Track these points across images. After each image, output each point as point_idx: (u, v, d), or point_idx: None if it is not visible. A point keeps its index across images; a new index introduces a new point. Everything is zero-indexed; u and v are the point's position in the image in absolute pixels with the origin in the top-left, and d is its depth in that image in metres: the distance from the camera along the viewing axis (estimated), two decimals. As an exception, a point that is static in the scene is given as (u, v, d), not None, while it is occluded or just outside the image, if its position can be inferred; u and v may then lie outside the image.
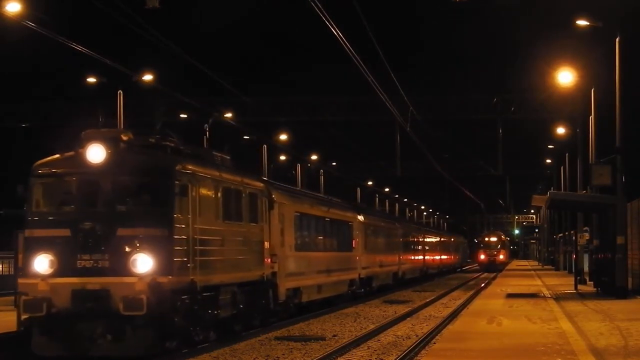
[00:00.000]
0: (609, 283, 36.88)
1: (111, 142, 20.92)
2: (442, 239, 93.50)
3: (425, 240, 76.21)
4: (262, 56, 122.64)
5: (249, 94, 63.07)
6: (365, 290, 44.79)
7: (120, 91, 46.29)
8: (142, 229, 20.23)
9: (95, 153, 20.69)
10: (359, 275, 43.29)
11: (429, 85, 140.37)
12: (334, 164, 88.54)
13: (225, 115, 60.55)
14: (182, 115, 62.74)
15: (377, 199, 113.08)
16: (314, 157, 79.96)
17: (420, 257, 71.81)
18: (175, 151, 22.93)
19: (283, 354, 22.14)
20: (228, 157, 26.21)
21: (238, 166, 27.57)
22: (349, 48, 29.66)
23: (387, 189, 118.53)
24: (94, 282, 19.94)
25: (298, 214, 32.55)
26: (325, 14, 25.94)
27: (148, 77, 45.86)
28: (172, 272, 20.27)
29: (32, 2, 32.37)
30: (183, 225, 20.91)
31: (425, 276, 72.46)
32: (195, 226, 21.46)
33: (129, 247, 20.07)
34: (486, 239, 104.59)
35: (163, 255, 20.17)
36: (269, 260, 27.82)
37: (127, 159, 20.92)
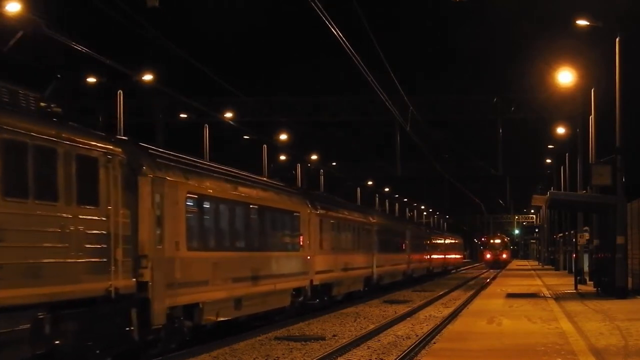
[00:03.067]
0: (609, 283, 36.87)
1: None
2: (432, 237, 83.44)
3: (411, 237, 64.86)
4: (262, 56, 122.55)
5: (249, 94, 63.10)
6: (321, 301, 35.75)
7: (120, 91, 46.29)
8: None
9: None
10: (311, 281, 33.92)
11: (429, 85, 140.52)
12: (334, 164, 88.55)
13: (225, 115, 60.58)
14: (182, 115, 62.80)
15: (377, 199, 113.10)
16: (314, 157, 79.97)
17: (404, 257, 61.02)
18: None
19: (283, 354, 22.13)
20: (55, 106, 17.56)
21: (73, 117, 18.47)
22: (349, 48, 29.65)
23: (387, 189, 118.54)
24: None
25: (195, 196, 22.86)
26: (326, 14, 25.94)
27: (148, 77, 45.85)
28: None
29: (32, 2, 32.35)
30: None
31: (410, 280, 62.43)
32: None
33: None
34: (491, 240, 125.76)
35: None
36: (129, 265, 18.79)
37: None
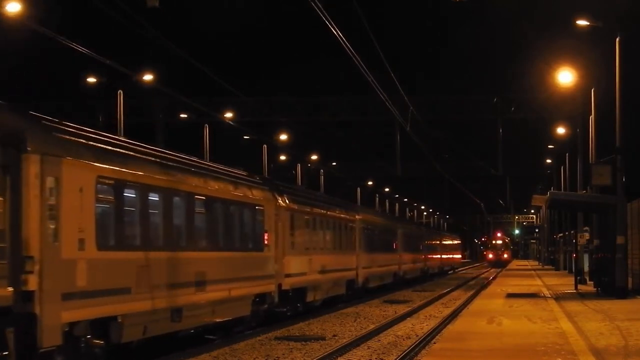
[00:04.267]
0: (609, 283, 36.88)
1: None
2: (428, 236, 79.29)
3: (403, 236, 60.49)
4: (262, 56, 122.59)
5: (249, 94, 63.13)
6: (291, 308, 31.76)
7: (120, 91, 46.32)
8: None
9: None
10: (279, 286, 29.52)
11: (429, 85, 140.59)
12: (334, 164, 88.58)
13: (225, 115, 60.60)
14: (182, 115, 62.83)
15: (377, 198, 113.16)
16: (314, 157, 80.00)
17: (394, 257, 56.59)
18: None
19: (283, 354, 22.14)
20: None
21: None
22: (349, 48, 29.65)
23: (387, 189, 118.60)
24: None
25: (110, 181, 18.16)
26: (326, 14, 25.94)
27: (148, 77, 45.87)
28: None
29: (32, 2, 32.37)
30: None
31: (402, 282, 58.35)
32: None
33: None
34: (494, 242, 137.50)
35: None
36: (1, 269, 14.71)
37: None
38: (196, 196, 22.44)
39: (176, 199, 21.25)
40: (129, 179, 18.79)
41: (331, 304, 37.71)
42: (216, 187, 24.11)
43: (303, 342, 24.61)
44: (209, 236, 23.37)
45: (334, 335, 26.57)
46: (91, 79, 48.75)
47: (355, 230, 43.31)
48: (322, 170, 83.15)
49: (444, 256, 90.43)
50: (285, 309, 30.71)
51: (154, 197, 19.98)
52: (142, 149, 20.52)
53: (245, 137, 66.84)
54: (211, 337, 24.50)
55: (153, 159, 20.60)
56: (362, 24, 29.90)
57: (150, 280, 19.25)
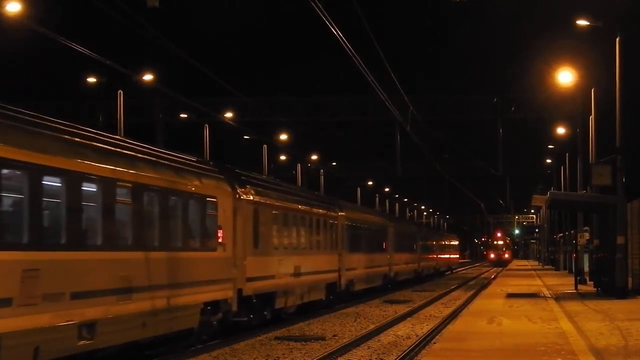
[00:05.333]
0: (609, 283, 36.88)
1: None
2: (423, 235, 74.08)
3: (395, 235, 56.28)
4: (262, 56, 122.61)
5: (249, 94, 63.16)
6: (256, 317, 27.22)
7: (120, 91, 46.33)
8: None
9: None
10: (240, 291, 25.43)
11: (429, 85, 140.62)
12: (334, 164, 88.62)
13: (225, 115, 60.61)
14: (182, 115, 62.85)
15: (377, 198, 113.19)
16: (314, 157, 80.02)
17: (384, 258, 52.44)
18: None
19: (283, 354, 22.14)
20: None
21: None
22: (349, 48, 29.66)
23: (387, 189, 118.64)
24: None
25: None
26: (326, 14, 25.94)
27: (148, 77, 45.88)
28: None
29: (32, 2, 32.38)
30: None
31: (393, 284, 54.75)
32: None
33: None
34: (495, 242, 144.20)
35: None
36: None
37: None
38: (119, 183, 18.27)
39: (87, 185, 17.10)
40: (8, 156, 14.54)
41: (310, 310, 33.93)
42: (150, 173, 19.72)
43: (303, 342, 24.61)
44: (137, 233, 18.91)
45: (334, 335, 26.57)
46: (91, 79, 48.75)
47: (338, 227, 39.08)
48: (322, 170, 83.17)
49: (440, 256, 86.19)
50: (247, 318, 26.32)
51: (52, 182, 15.96)
52: (36, 120, 16.30)
53: (245, 137, 66.88)
54: (148, 353, 20.88)
55: (52, 132, 16.52)
56: (362, 24, 29.93)
57: (42, 289, 15.26)
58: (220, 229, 23.90)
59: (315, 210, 35.08)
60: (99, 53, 34.16)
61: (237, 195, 25.61)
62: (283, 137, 68.85)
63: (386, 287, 51.40)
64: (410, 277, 62.33)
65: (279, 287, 29.32)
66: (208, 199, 23.16)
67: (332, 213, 38.45)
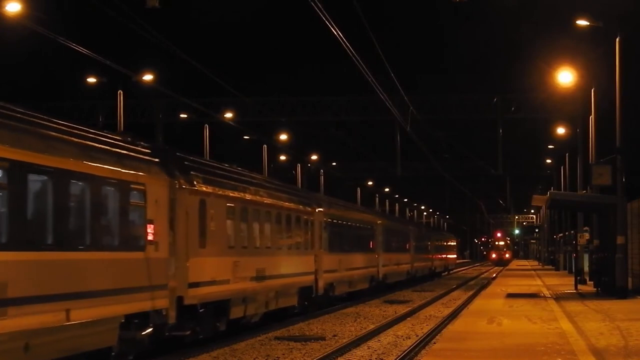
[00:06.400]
0: (609, 283, 36.87)
1: None
2: (416, 234, 67.35)
3: (384, 234, 51.43)
4: (262, 56, 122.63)
5: (249, 94, 63.22)
6: (204, 329, 22.75)
7: (120, 91, 46.35)
8: None
9: None
10: (179, 300, 20.98)
11: (429, 85, 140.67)
12: (334, 164, 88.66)
13: (225, 115, 60.63)
14: (182, 115, 62.88)
15: (377, 198, 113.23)
16: (314, 157, 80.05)
17: (371, 258, 47.55)
18: None
19: (283, 354, 22.13)
20: None
21: None
22: (349, 48, 29.67)
23: (387, 189, 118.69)
24: None
25: None
26: (326, 14, 25.95)
27: (148, 77, 45.89)
28: None
29: (32, 2, 32.39)
30: None
31: (383, 287, 50.30)
32: None
33: None
34: (496, 242, 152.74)
35: None
36: None
37: None
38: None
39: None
40: None
41: (279, 319, 29.93)
42: (35, 148, 15.18)
43: (303, 342, 24.60)
44: (15, 228, 14.46)
45: (334, 335, 26.56)
46: (91, 79, 48.77)
47: (314, 224, 34.73)
48: (322, 170, 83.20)
49: (436, 257, 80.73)
50: (189, 332, 21.83)
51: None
52: None
53: (245, 137, 66.91)
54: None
55: None
56: (362, 24, 29.94)
57: None
58: (151, 223, 19.40)
59: (285, 204, 30.58)
60: (99, 53, 34.19)
61: (178, 184, 21.16)
62: (283, 137, 68.89)
63: (374, 291, 47.25)
64: (401, 279, 57.63)
65: (236, 293, 24.86)
66: (132, 186, 18.57)
67: (308, 208, 34.02)
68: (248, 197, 26.53)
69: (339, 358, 21.59)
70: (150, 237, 19.38)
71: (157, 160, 20.39)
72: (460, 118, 68.05)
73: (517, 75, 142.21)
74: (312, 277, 33.92)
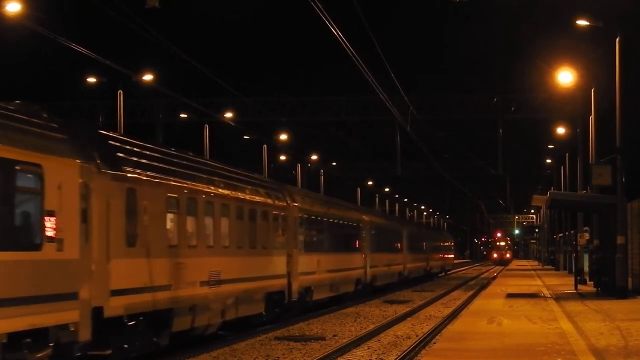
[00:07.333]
0: (609, 283, 36.86)
1: None
2: (409, 233, 62.98)
3: (371, 233, 47.44)
4: (262, 56, 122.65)
5: (249, 94, 63.25)
6: (134, 347, 18.55)
7: (120, 91, 46.36)
8: None
9: None
10: (99, 311, 16.99)
11: (429, 85, 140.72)
12: (334, 164, 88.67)
13: (225, 115, 60.64)
14: (182, 115, 62.91)
15: (377, 198, 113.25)
16: (314, 157, 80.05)
17: (357, 259, 43.72)
18: None
19: (283, 354, 22.13)
20: None
21: None
22: (349, 48, 29.67)
23: (387, 189, 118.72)
24: None
25: None
26: (326, 14, 25.95)
27: (148, 77, 45.89)
28: None
29: (32, 2, 32.41)
30: None
31: (371, 290, 46.57)
32: None
33: None
34: (497, 243, 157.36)
35: None
36: None
37: None
38: None
39: None
40: None
41: (244, 328, 26.48)
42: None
43: (303, 342, 24.59)
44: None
45: (334, 335, 26.55)
46: (91, 79, 48.78)
47: (288, 221, 30.87)
48: (322, 170, 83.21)
49: (432, 257, 76.43)
50: (110, 351, 17.51)
51: None
52: None
53: (245, 137, 66.92)
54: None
55: None
56: (362, 24, 29.95)
57: None
58: (51, 215, 15.15)
59: (248, 197, 26.49)
60: (99, 53, 34.20)
61: (96, 167, 16.99)
62: (283, 137, 68.89)
63: (360, 295, 43.25)
64: (393, 281, 53.80)
65: (180, 301, 20.69)
66: (20, 167, 14.36)
67: (280, 203, 30.04)
68: (199, 187, 22.40)
69: (339, 358, 21.58)
70: (49, 233, 15.03)
71: (62, 136, 16.00)
72: (460, 118, 68.09)
73: (517, 75, 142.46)
74: (284, 280, 29.86)
